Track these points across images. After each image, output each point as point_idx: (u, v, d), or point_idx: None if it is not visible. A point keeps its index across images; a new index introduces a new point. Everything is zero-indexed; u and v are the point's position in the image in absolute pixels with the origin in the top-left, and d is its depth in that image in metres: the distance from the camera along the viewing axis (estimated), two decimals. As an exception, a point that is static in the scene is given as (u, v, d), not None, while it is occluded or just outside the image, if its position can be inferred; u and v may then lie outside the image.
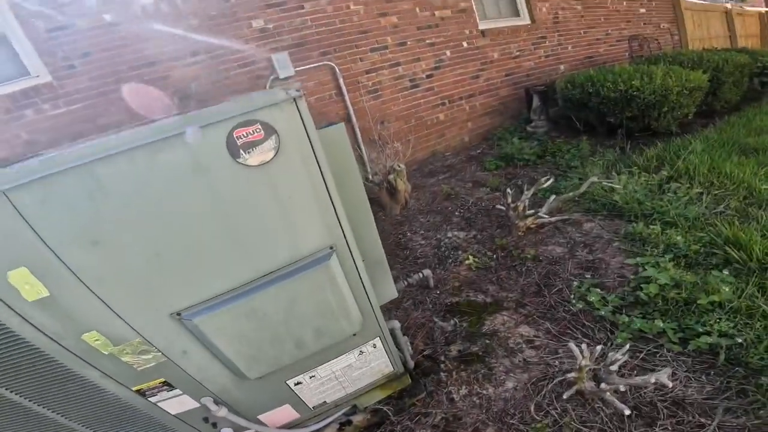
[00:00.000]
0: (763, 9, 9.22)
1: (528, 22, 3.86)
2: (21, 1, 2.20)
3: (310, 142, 0.75)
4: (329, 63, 2.70)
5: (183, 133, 0.64)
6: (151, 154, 0.64)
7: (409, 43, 3.03)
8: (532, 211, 1.89)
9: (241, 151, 0.70)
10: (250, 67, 2.53)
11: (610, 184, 2.01)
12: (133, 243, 0.67)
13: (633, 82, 2.58)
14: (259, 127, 0.71)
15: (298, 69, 2.61)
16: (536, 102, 3.45)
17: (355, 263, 0.86)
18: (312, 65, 2.67)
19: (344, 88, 2.73)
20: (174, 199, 0.67)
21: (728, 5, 7.54)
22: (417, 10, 3.09)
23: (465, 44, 3.30)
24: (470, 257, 1.75)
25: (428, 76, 3.11)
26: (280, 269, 0.78)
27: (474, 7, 3.41)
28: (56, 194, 0.61)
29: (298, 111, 0.75)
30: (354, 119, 2.76)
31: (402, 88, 2.99)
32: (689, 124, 2.88)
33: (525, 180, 2.39)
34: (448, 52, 3.21)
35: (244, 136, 0.70)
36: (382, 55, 2.92)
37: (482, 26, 3.44)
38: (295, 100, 0.74)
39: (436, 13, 3.18)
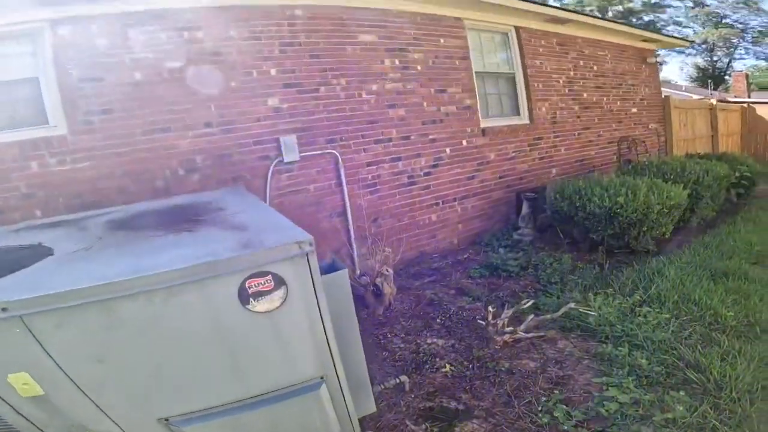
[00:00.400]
0: (746, 100, 13.92)
1: (527, 121, 6.02)
2: (64, 43, 3.33)
3: (316, 294, 1.26)
4: (333, 152, 4.25)
5: (197, 280, 1.11)
6: (168, 296, 1.09)
7: (412, 137, 4.77)
8: (510, 329, 3.20)
9: (251, 299, 1.13)
10: (258, 146, 3.93)
11: (584, 311, 3.57)
12: (138, 360, 1.11)
13: (618, 199, 3.95)
14: (271, 278, 1.17)
15: (303, 154, 4.09)
16: (525, 209, 5.37)
17: (342, 391, 1.34)
18: (317, 152, 4.18)
19: (344, 179, 4.27)
20: (182, 330, 1.15)
21: (713, 101, 11.47)
22: (425, 104, 4.90)
23: (464, 143, 5.19)
24: (447, 365, 2.91)
25: (426, 174, 4.86)
26: (272, 392, 1.25)
27: (478, 104, 5.39)
28: (73, 322, 1.01)
29: (309, 266, 1.25)
30: (349, 213, 4.28)
31: (400, 184, 4.65)
32: (666, 241, 4.59)
33: (506, 293, 3.87)
34: (448, 150, 5.04)
35: (255, 286, 1.14)
36: (385, 148, 4.58)
37: (483, 124, 5.42)
38: (307, 255, 1.25)
39: (442, 108, 5.04)
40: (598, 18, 7.56)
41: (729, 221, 5.47)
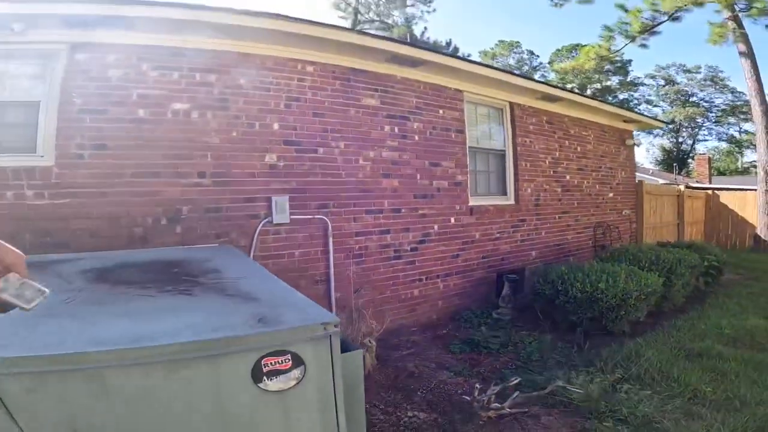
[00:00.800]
0: (711, 186, 15.37)
1: (513, 202, 6.43)
2: (77, 69, 3.37)
3: (333, 376, 1.25)
4: (324, 218, 4.38)
5: (209, 356, 1.06)
6: (170, 371, 1.05)
7: (403, 210, 5.00)
8: (497, 404, 3.30)
9: (265, 378, 1.11)
10: (249, 204, 4.01)
11: (571, 389, 3.78)
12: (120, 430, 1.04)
13: (599, 285, 4.35)
14: (289, 357, 1.16)
15: (293, 217, 4.20)
16: (507, 290, 5.66)
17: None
18: (307, 216, 4.30)
19: (331, 247, 4.39)
20: (181, 407, 1.09)
21: (681, 187, 12.61)
22: (418, 177, 5.17)
23: (453, 220, 5.48)
24: None
25: (413, 249, 5.07)
26: None
27: (469, 181, 5.74)
28: (51, 389, 0.94)
29: (331, 347, 1.26)
30: (332, 282, 4.38)
31: (386, 257, 4.83)
32: (640, 324, 4.96)
33: (487, 369, 4.04)
34: (436, 227, 5.30)
35: (272, 364, 1.12)
36: (376, 219, 4.77)
37: (472, 202, 5.75)
38: (330, 337, 1.25)
39: (435, 182, 5.33)
40: (587, 97, 8.25)
41: (698, 307, 6.01)
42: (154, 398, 1.12)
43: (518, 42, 39.92)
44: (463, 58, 5.88)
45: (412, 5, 30.22)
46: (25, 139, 3.42)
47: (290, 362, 1.22)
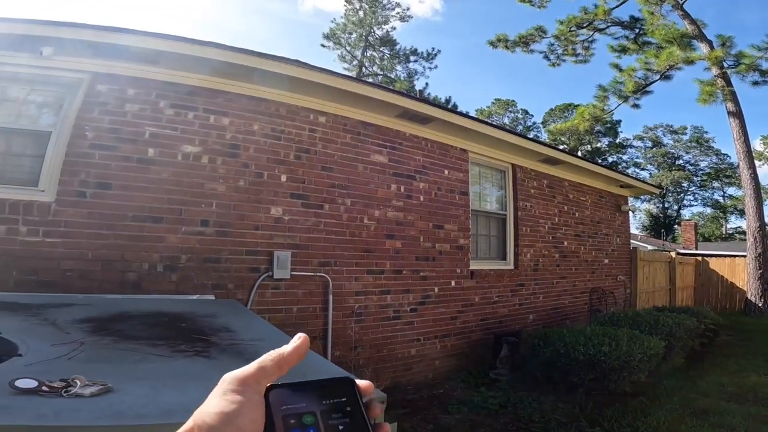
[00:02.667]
0: (700, 252, 15.51)
1: (512, 267, 6.38)
2: (95, 101, 3.33)
3: None
4: (325, 275, 4.25)
5: None
6: None
7: (404, 272, 4.89)
8: None
9: None
10: (250, 257, 3.87)
11: None
12: None
13: (603, 348, 4.40)
14: None
15: (294, 273, 4.06)
16: (505, 351, 5.55)
17: None
18: (308, 273, 4.17)
19: (330, 305, 4.24)
20: None
21: (673, 254, 12.71)
22: (421, 239, 5.10)
23: (453, 283, 5.38)
24: None
25: (412, 310, 4.93)
26: None
27: (470, 246, 5.68)
28: None
29: None
30: (330, 339, 4.21)
31: (385, 317, 4.68)
32: (641, 384, 4.94)
33: (487, 429, 3.94)
34: (436, 289, 5.18)
35: None
36: (377, 280, 4.65)
37: (473, 266, 5.67)
38: None
39: (437, 245, 5.26)
40: (587, 160, 8.37)
41: (697, 366, 6.12)
42: None
43: (513, 101, 41.34)
44: (471, 117, 5.96)
45: (415, 61, 31.45)
46: (29, 170, 3.33)
47: None
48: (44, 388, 0.91)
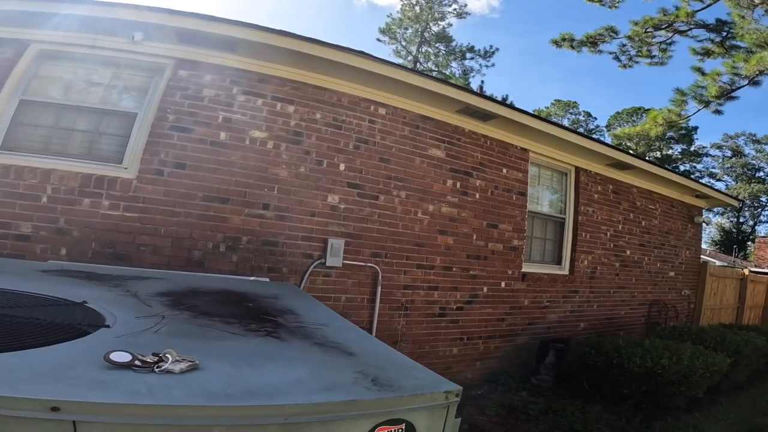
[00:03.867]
0: None
1: (567, 273, 6.14)
2: (177, 85, 3.64)
3: None
4: (375, 267, 4.32)
5: (321, 420, 0.94)
6: None
7: (454, 269, 4.86)
8: None
9: None
10: (305, 242, 4.01)
11: None
12: None
13: (662, 360, 4.33)
14: (403, 428, 1.08)
15: (346, 262, 4.15)
16: (551, 358, 5.43)
17: None
18: (359, 263, 4.25)
19: (378, 297, 4.31)
20: None
21: (746, 270, 11.72)
22: (474, 237, 5.03)
23: (503, 284, 5.28)
24: None
25: (458, 309, 4.89)
26: None
27: (524, 247, 5.52)
28: None
29: (446, 417, 1.18)
30: (374, 331, 4.28)
31: (430, 313, 4.68)
32: (696, 399, 4.72)
33: None
34: (485, 289, 5.11)
35: None
36: (426, 275, 4.65)
37: (525, 269, 5.53)
38: (449, 407, 1.18)
39: (490, 244, 5.16)
40: (661, 167, 7.80)
41: (758, 386, 5.92)
42: None
43: (575, 102, 39.21)
44: (535, 116, 5.73)
45: (471, 58, 30.67)
46: (115, 148, 3.61)
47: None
48: (137, 362, 0.93)
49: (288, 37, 3.80)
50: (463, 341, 5.00)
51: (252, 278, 3.44)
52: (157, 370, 0.94)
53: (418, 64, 30.32)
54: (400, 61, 30.16)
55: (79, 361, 0.97)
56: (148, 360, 0.95)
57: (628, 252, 7.18)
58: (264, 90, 4.00)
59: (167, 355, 0.98)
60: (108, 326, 1.31)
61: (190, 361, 0.99)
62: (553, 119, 37.06)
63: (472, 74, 31.13)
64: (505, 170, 5.48)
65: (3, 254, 3.16)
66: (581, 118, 39.34)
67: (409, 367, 1.40)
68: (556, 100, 39.58)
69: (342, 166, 4.29)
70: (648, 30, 14.64)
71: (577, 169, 6.41)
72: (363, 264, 4.28)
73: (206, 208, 3.69)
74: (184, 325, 1.49)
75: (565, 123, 38.00)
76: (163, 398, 0.85)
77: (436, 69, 31.12)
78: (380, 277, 4.35)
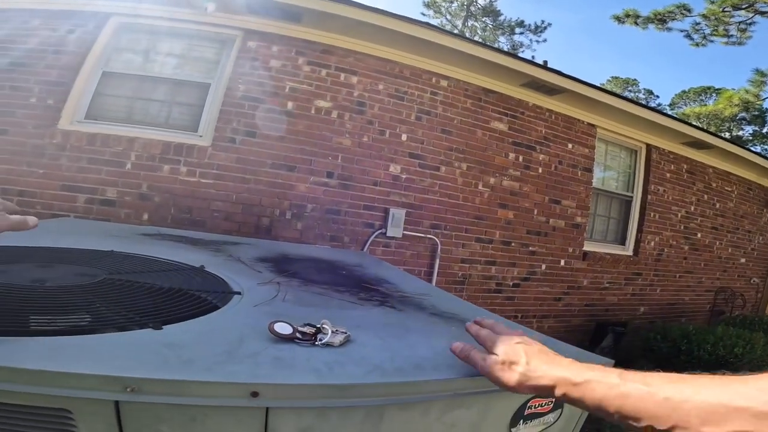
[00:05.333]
0: None
1: (631, 253, 5.85)
2: (246, 56, 3.74)
3: (577, 423, 1.09)
4: (434, 238, 4.30)
5: (483, 392, 0.87)
6: (442, 412, 0.87)
7: (513, 244, 4.75)
8: None
9: (521, 421, 0.98)
10: (366, 211, 4.06)
11: None
12: None
13: (735, 349, 4.32)
14: (553, 400, 1.01)
15: (405, 233, 4.16)
16: (608, 341, 5.27)
17: None
18: (419, 234, 4.24)
19: (436, 269, 4.31)
20: None
21: None
22: (535, 211, 4.88)
23: (563, 262, 5.11)
24: None
25: (515, 285, 4.81)
26: None
27: (587, 225, 5.29)
28: (322, 428, 0.76)
29: None
30: (430, 302, 4.30)
31: (486, 289, 4.63)
32: None
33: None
34: (543, 266, 4.97)
35: (535, 407, 0.98)
36: (484, 249, 4.58)
37: (587, 247, 5.32)
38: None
39: (551, 220, 4.99)
40: (744, 148, 7.13)
41: None
42: None
43: (635, 80, 36.18)
44: (605, 90, 5.37)
45: (521, 33, 28.94)
46: (190, 118, 3.76)
47: (551, 405, 1.02)
48: (297, 334, 0.88)
49: (352, 7, 3.75)
50: (517, 319, 4.92)
51: (316, 246, 3.53)
52: (318, 343, 0.89)
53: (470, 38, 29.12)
54: (444, 36, 28.98)
55: (245, 334, 0.92)
56: (306, 332, 0.90)
57: (699, 235, 6.72)
58: (328, 61, 4.01)
59: (324, 326, 0.93)
60: (239, 293, 1.26)
61: (343, 333, 0.94)
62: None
63: (521, 49, 29.49)
64: (570, 145, 5.23)
65: (88, 217, 3.41)
66: (642, 95, 36.48)
67: (544, 338, 1.29)
68: (613, 77, 36.82)
69: (404, 137, 4.26)
70: (726, 9, 13.38)
71: (648, 147, 6.03)
72: (422, 235, 4.28)
73: (274, 175, 3.79)
74: (301, 293, 1.43)
75: (626, 101, 35.41)
76: (345, 376, 0.80)
77: (482, 43, 29.76)
78: (439, 250, 4.33)
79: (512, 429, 0.98)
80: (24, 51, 3.51)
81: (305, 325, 0.93)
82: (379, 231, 4.09)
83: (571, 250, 5.20)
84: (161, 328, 0.87)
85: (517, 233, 4.82)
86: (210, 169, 3.63)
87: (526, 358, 0.74)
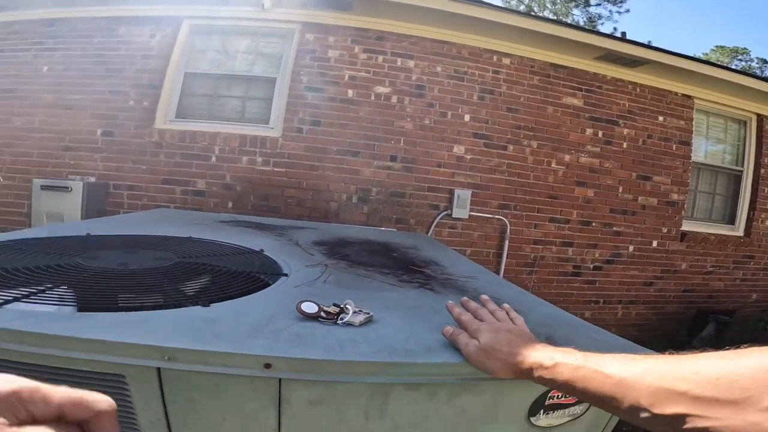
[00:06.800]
0: None
1: (741, 234, 5.09)
2: (305, 49, 3.93)
3: (610, 419, 1.03)
4: (503, 219, 4.13)
5: (491, 379, 0.83)
6: (453, 395, 0.87)
7: (593, 224, 4.39)
8: None
9: (541, 411, 0.93)
10: (431, 193, 4.03)
11: None
12: None
13: None
14: None
15: (472, 213, 4.05)
16: (709, 330, 4.67)
17: None
18: (486, 215, 4.11)
19: (505, 251, 4.14)
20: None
21: None
22: (620, 189, 4.46)
23: (655, 244, 4.60)
24: None
25: (596, 268, 4.43)
26: None
27: (685, 203, 4.71)
28: (337, 402, 0.82)
29: None
30: (501, 285, 4.13)
31: (562, 272, 4.33)
32: None
33: None
34: (631, 248, 4.52)
35: (557, 397, 0.93)
36: (559, 229, 4.29)
37: (685, 227, 4.74)
38: None
39: (640, 198, 4.53)
40: None
41: None
42: (422, 428, 0.89)
43: (745, 49, 31.21)
44: (700, 60, 4.76)
45: (598, 5, 26.32)
46: (261, 111, 4.03)
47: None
48: (322, 314, 0.94)
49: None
50: (598, 305, 4.53)
51: (382, 229, 3.56)
52: (339, 322, 0.94)
53: (531, 13, 27.38)
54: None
55: (275, 312, 1.01)
56: (330, 311, 0.96)
57: (831, 214, 5.63)
58: (383, 47, 4.08)
59: (347, 306, 0.98)
60: (286, 275, 1.35)
61: (366, 313, 0.99)
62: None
63: (600, 21, 26.94)
64: (661, 118, 4.72)
65: (185, 208, 3.80)
66: (754, 65, 31.50)
67: (577, 325, 1.26)
68: (718, 46, 32.29)
69: (467, 117, 4.16)
70: None
71: (760, 117, 5.24)
72: (490, 216, 4.13)
73: (340, 161, 3.92)
74: (346, 275, 1.50)
75: (733, 72, 30.83)
76: (353, 354, 0.85)
77: (554, 17, 27.75)
78: (508, 231, 4.15)
79: (532, 419, 0.95)
80: (117, 57, 4.02)
81: (331, 305, 1.00)
82: (445, 212, 4.03)
83: (665, 230, 4.67)
84: (209, 306, 0.98)
85: (599, 212, 4.44)
86: (281, 158, 3.86)
87: (506, 344, 0.77)
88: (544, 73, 4.39)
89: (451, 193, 4.05)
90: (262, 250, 1.63)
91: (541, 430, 0.98)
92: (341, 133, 3.94)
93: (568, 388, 0.65)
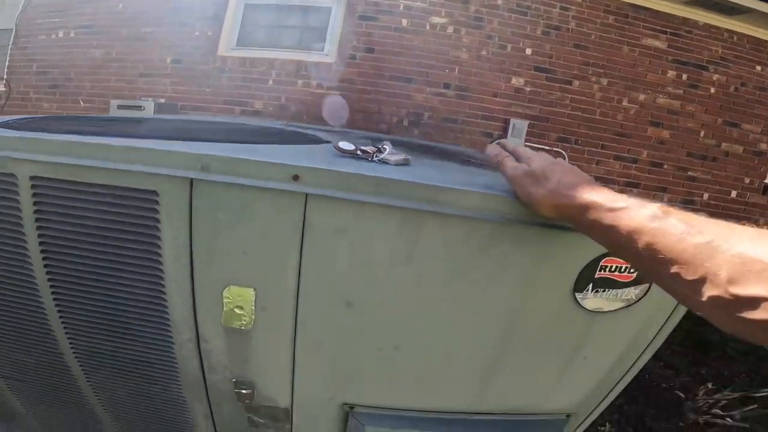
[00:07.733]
0: None
1: None
2: None
3: (672, 313, 0.90)
4: (561, 151, 3.83)
5: (525, 222, 0.76)
6: (488, 241, 0.79)
7: (665, 166, 3.97)
8: (719, 411, 2.52)
9: (589, 287, 0.80)
10: (484, 121, 3.85)
11: None
12: (386, 305, 0.83)
13: None
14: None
15: (527, 144, 3.79)
16: None
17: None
18: (543, 146, 3.82)
19: (563, 186, 3.82)
20: (467, 295, 0.83)
21: None
22: (702, 133, 4.01)
23: (734, 194, 4.10)
24: (607, 424, 2.57)
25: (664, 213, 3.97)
26: (502, 415, 0.97)
27: (777, 155, 4.13)
28: (356, 232, 0.78)
29: None
30: (556, 223, 3.83)
31: (629, 215, 3.93)
32: None
33: (712, 371, 3.03)
34: (705, 195, 4.05)
35: (610, 270, 0.78)
36: (625, 168, 3.93)
37: (773, 181, 4.14)
38: None
39: (723, 145, 4.03)
40: None
41: None
42: (449, 262, 0.82)
43: None
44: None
45: None
46: (317, 39, 4.10)
47: (633, 274, 0.81)
48: (359, 152, 0.96)
49: None
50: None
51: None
52: (376, 159, 0.94)
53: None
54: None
55: (316, 151, 1.05)
56: (367, 150, 0.96)
57: None
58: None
59: (385, 146, 0.97)
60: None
61: (403, 155, 0.98)
62: None
63: None
64: (759, 67, 4.21)
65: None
66: None
67: None
68: None
69: (528, 51, 3.96)
70: None
71: None
72: (547, 148, 3.86)
73: (392, 86, 3.88)
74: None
75: None
76: (381, 172, 0.82)
77: None
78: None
79: (578, 295, 0.82)
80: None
81: (369, 144, 1.00)
82: (498, 141, 3.82)
83: (748, 180, 4.14)
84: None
85: (673, 155, 4.01)
86: (334, 82, 3.89)
87: (560, 173, 0.66)
88: (621, 13, 4.07)
89: (506, 122, 3.85)
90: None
91: (588, 316, 0.85)
92: (394, 60, 3.90)
93: (627, 241, 0.53)
